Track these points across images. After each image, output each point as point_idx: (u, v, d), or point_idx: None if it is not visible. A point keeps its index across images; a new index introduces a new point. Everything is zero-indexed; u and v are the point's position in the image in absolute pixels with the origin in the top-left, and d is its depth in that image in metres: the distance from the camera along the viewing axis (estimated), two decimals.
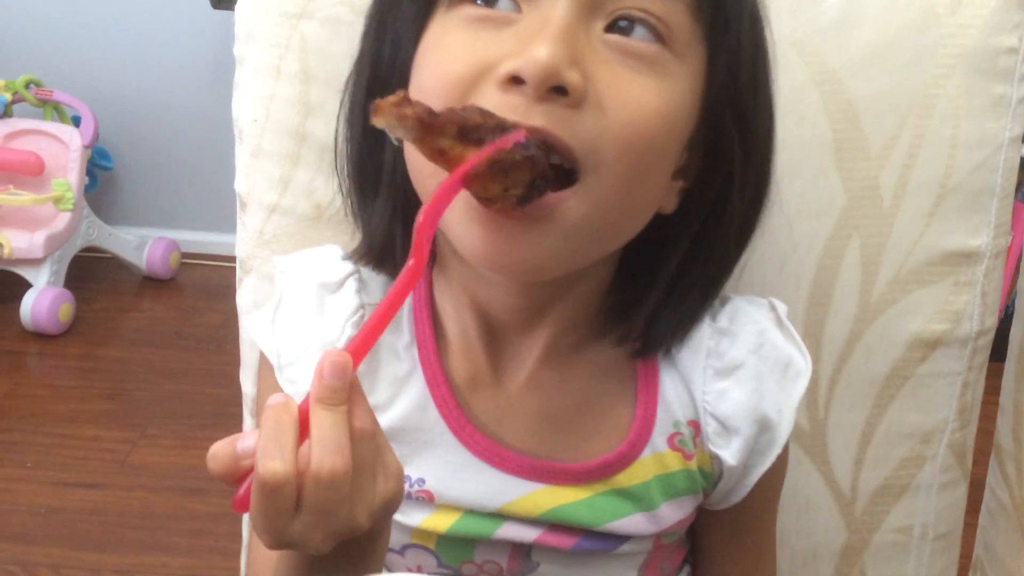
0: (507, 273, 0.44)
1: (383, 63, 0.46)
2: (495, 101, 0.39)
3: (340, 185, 0.50)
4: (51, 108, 1.78)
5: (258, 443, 0.35)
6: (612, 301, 0.48)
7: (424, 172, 0.42)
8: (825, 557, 0.65)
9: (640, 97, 0.41)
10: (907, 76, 0.61)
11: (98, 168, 1.89)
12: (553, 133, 0.39)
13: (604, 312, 0.48)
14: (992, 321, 0.64)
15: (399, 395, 0.48)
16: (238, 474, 0.36)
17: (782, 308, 0.52)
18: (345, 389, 0.36)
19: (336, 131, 0.50)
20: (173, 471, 1.38)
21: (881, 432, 0.64)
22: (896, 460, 0.65)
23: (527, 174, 0.37)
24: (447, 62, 0.41)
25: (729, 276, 0.50)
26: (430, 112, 0.36)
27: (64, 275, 1.73)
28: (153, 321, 1.84)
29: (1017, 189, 0.67)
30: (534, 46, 0.38)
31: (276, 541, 0.36)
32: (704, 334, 0.50)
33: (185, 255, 1.96)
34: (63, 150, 1.71)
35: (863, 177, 0.61)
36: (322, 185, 0.58)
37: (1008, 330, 0.68)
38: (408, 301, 0.49)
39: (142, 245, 1.88)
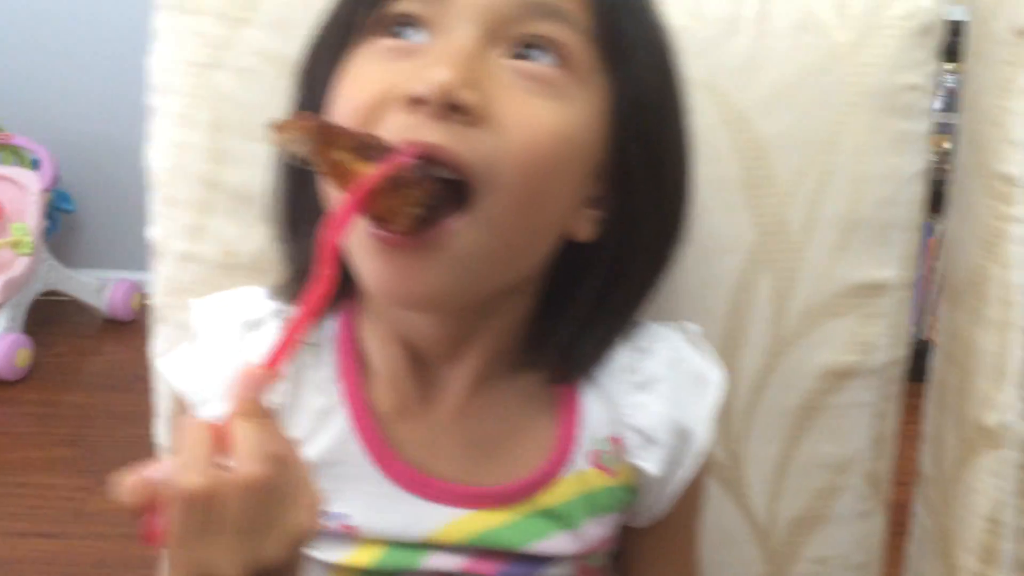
0: (403, 304, 0.45)
1: (307, 106, 0.48)
2: (399, 121, 0.41)
3: (273, 223, 0.51)
4: (10, 152, 1.78)
5: (175, 462, 0.35)
6: (533, 329, 0.50)
7: (338, 199, 0.43)
8: None
9: (538, 117, 0.42)
10: (813, 114, 0.62)
11: (59, 211, 1.88)
12: (450, 149, 0.40)
13: (525, 340, 0.50)
14: (902, 352, 0.66)
15: (321, 428, 0.49)
16: (151, 504, 0.36)
17: (693, 328, 0.54)
18: (262, 400, 0.37)
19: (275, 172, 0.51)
20: (130, 518, 1.36)
21: (796, 463, 0.65)
22: (812, 491, 0.66)
23: (422, 193, 0.39)
24: (358, 89, 0.43)
25: (642, 306, 0.52)
26: (326, 122, 0.39)
27: (22, 320, 1.72)
28: (114, 364, 1.82)
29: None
30: (434, 69, 0.40)
31: (189, 565, 0.36)
32: (621, 353, 0.51)
33: (148, 296, 1.94)
34: (21, 194, 1.71)
35: (772, 213, 0.63)
36: (235, 233, 0.58)
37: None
38: (332, 335, 0.50)
39: (103, 287, 1.87)
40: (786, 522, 0.66)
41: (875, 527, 0.68)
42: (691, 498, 0.54)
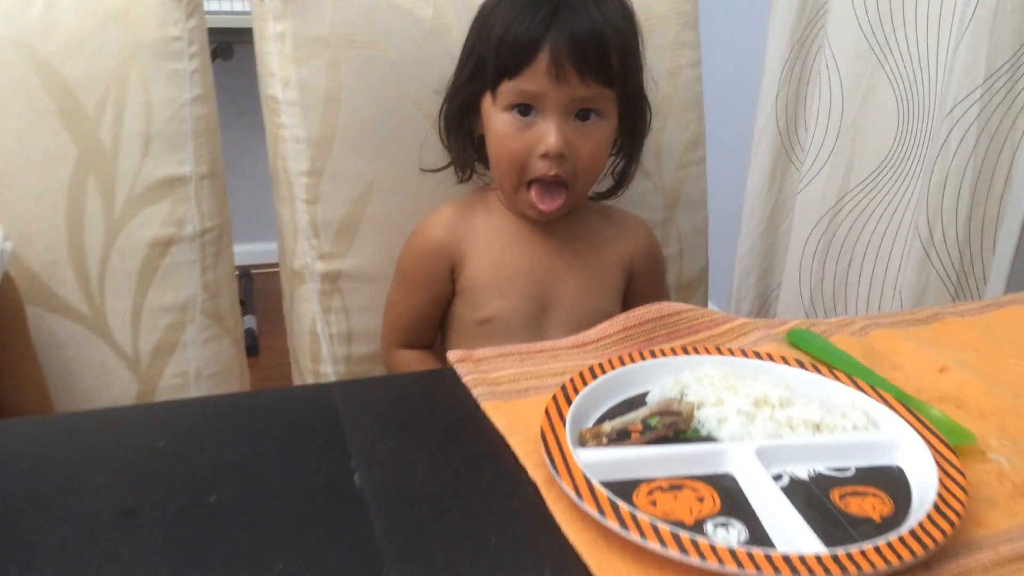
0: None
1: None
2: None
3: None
4: None
5: None
6: None
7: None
8: (124, 403, 0.92)
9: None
10: (103, 61, 0.89)
11: None
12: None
13: None
14: (209, 223, 0.96)
15: None
16: None
17: None
18: None
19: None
20: None
21: (147, 308, 0.93)
22: (163, 327, 0.93)
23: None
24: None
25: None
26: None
27: None
28: None
29: None
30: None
31: None
32: None
33: None
34: None
35: (90, 132, 0.89)
36: None
37: None
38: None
39: None
40: (148, 352, 0.93)
41: (223, 347, 0.99)
42: (8, 312, 0.82)
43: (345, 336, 1.05)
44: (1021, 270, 1.20)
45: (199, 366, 0.98)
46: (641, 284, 1.03)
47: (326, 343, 1.02)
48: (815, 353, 0.74)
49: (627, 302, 1.01)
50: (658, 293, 1.04)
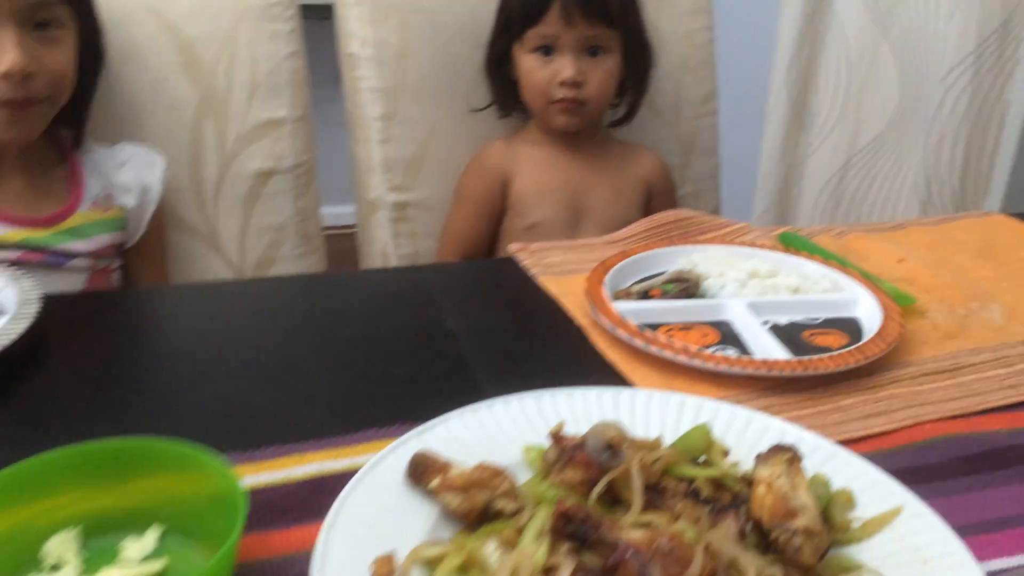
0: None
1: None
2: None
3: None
4: None
5: None
6: None
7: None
8: None
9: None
10: (218, 22, 1.08)
11: None
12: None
13: None
14: (303, 158, 1.15)
15: None
16: None
17: (145, 146, 1.05)
18: None
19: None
20: None
21: (252, 227, 1.13)
22: (264, 244, 1.14)
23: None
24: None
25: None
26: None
27: None
28: None
29: None
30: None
31: None
32: (106, 151, 1.02)
33: None
34: None
35: (205, 83, 1.09)
36: None
37: None
38: None
39: None
40: (252, 264, 1.14)
41: (312, 262, 1.18)
42: (158, 224, 1.05)
43: (411, 257, 1.25)
44: None
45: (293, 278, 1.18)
46: (659, 202, 1.26)
47: (393, 260, 1.22)
48: (800, 248, 0.94)
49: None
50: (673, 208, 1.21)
